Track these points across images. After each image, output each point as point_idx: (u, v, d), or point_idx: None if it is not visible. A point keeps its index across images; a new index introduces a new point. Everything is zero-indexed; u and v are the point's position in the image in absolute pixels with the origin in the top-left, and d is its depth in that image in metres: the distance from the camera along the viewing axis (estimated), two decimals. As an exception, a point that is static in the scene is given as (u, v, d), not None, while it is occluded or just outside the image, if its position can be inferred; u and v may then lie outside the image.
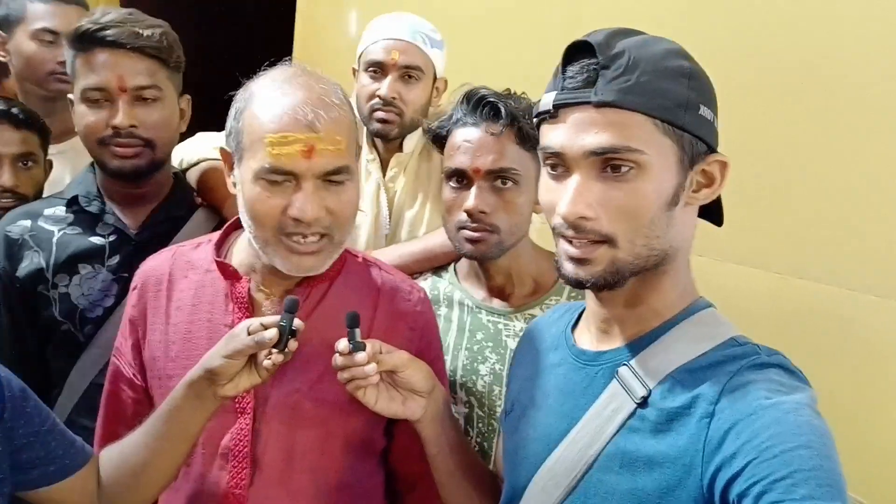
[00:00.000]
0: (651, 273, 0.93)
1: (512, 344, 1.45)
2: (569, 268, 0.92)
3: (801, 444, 0.75)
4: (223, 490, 1.18)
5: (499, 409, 1.45)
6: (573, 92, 0.88)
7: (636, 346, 0.94)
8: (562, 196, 0.90)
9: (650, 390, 0.89)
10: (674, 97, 0.87)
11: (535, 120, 0.96)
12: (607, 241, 0.89)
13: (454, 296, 1.54)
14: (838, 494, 0.72)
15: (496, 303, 1.51)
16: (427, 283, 1.58)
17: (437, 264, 1.62)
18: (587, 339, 1.02)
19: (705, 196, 0.93)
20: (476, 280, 1.53)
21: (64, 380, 1.50)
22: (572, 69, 0.90)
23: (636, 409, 0.90)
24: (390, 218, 1.91)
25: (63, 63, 1.88)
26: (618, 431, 0.90)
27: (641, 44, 0.89)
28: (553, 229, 0.94)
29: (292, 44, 2.97)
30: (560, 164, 0.91)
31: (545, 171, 0.95)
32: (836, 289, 1.52)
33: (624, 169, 0.87)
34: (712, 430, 0.82)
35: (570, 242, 0.91)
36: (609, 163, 0.88)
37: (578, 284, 0.92)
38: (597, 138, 0.87)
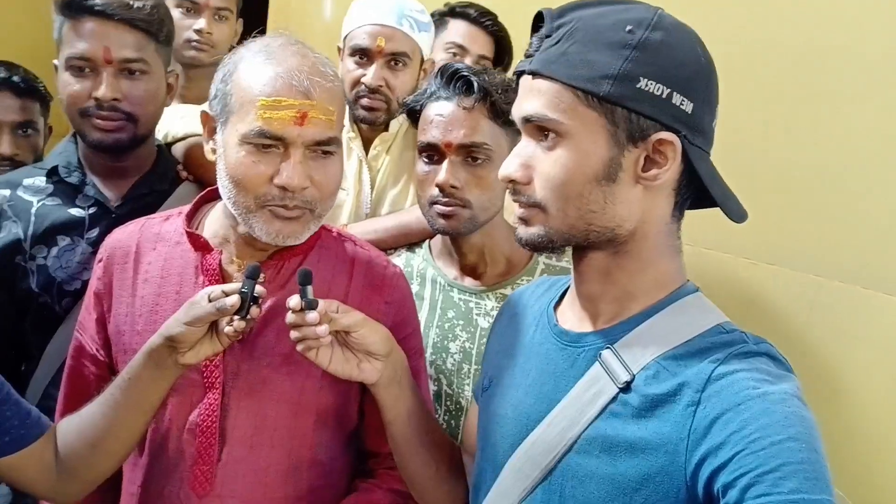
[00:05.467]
0: (611, 251, 0.88)
1: (483, 322, 1.37)
2: (517, 227, 0.92)
3: (789, 436, 0.71)
4: (190, 465, 1.10)
5: (467, 388, 1.37)
6: (525, 60, 0.88)
7: (620, 329, 0.88)
8: None
9: (633, 375, 0.84)
10: (600, 68, 0.81)
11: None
12: (539, 207, 0.87)
13: (427, 273, 1.46)
14: (825, 487, 0.69)
15: (468, 281, 1.43)
16: (401, 259, 1.49)
17: (412, 240, 1.54)
18: (570, 318, 0.96)
19: (654, 177, 0.84)
20: (449, 258, 1.45)
21: (41, 353, 1.41)
22: (533, 39, 0.89)
23: (618, 393, 0.84)
24: (372, 197, 1.82)
25: (199, 31, 1.90)
26: (599, 415, 0.85)
27: (597, 15, 0.84)
28: None
29: (265, 19, 2.88)
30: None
31: None
32: (803, 274, 1.49)
33: (549, 136, 0.85)
34: (698, 418, 0.77)
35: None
36: (543, 131, 0.85)
37: (519, 241, 0.91)
38: (525, 106, 0.87)
